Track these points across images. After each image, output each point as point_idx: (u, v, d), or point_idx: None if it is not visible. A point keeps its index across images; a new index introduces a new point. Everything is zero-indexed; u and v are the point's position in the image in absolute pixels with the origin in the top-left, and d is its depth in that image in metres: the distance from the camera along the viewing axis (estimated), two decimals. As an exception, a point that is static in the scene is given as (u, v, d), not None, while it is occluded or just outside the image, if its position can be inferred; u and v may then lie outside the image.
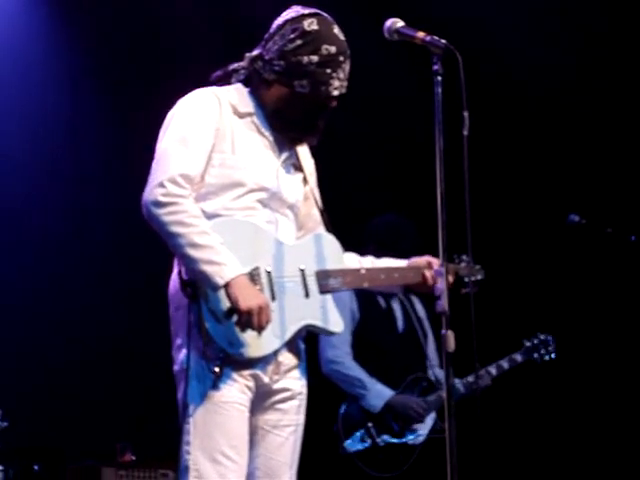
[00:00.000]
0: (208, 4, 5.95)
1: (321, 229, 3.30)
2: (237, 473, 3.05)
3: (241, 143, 3.13)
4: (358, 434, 4.86)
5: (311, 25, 3.11)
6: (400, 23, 3.00)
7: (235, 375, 3.04)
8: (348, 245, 3.34)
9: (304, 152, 3.32)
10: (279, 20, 3.18)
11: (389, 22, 3.01)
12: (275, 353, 3.09)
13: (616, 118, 5.88)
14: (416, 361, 5.09)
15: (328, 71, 3.10)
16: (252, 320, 2.94)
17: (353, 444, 4.86)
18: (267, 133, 3.19)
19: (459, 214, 2.84)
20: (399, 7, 3.90)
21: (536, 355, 5.09)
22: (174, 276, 3.09)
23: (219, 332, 2.98)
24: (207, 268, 2.93)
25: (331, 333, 3.23)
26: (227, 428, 3.02)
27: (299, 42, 3.11)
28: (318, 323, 3.17)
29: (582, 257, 5.77)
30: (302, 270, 3.15)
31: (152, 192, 2.98)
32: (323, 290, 3.17)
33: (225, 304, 2.98)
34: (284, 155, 3.23)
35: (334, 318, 3.20)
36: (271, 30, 3.19)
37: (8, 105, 5.77)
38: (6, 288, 5.62)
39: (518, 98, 5.94)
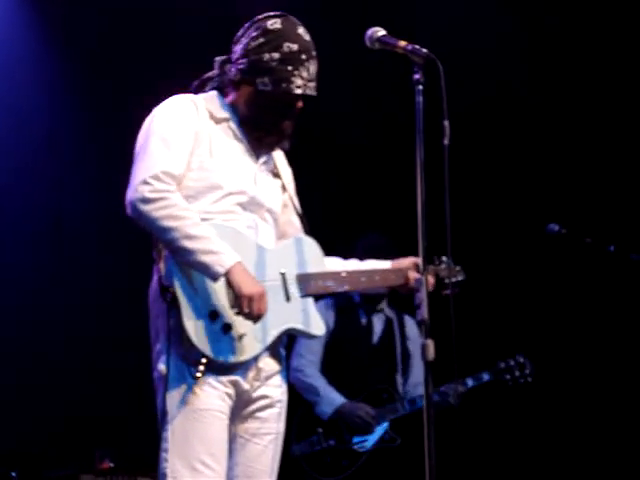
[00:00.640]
0: (197, 6, 5.95)
1: (301, 235, 3.30)
2: (215, 480, 3.05)
3: (218, 147, 3.15)
4: (308, 438, 4.98)
5: (274, 24, 3.15)
6: (381, 32, 3.00)
7: (215, 382, 3.03)
8: (328, 251, 3.35)
9: (281, 160, 3.34)
10: (247, 23, 3.21)
11: (370, 31, 3.01)
12: (256, 359, 3.09)
13: (598, 129, 5.91)
14: (384, 375, 5.13)
15: (289, 68, 3.11)
16: (253, 306, 2.95)
17: (302, 447, 4.98)
18: (243, 138, 3.20)
19: (439, 223, 2.85)
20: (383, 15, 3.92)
21: (508, 376, 5.04)
22: (153, 283, 3.09)
23: (200, 337, 2.97)
24: (206, 258, 2.93)
25: (313, 336, 3.24)
26: (206, 436, 3.01)
27: (261, 40, 3.13)
28: (299, 327, 3.17)
29: (561, 267, 5.79)
30: (283, 274, 3.15)
31: (137, 190, 2.98)
32: (304, 294, 3.18)
33: (210, 305, 2.98)
34: (261, 160, 3.24)
35: (315, 321, 3.21)
36: (239, 33, 3.22)
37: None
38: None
39: (498, 107, 5.97)
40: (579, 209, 5.73)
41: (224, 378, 3.05)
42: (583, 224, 4.78)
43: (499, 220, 6.00)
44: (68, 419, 5.64)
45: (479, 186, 5.99)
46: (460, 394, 5.01)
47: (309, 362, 5.11)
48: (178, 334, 2.97)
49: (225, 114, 3.20)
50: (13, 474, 4.92)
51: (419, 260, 3.26)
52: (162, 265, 3.03)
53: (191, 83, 3.29)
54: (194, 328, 2.97)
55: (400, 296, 3.47)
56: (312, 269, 3.22)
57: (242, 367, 3.07)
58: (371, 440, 5.00)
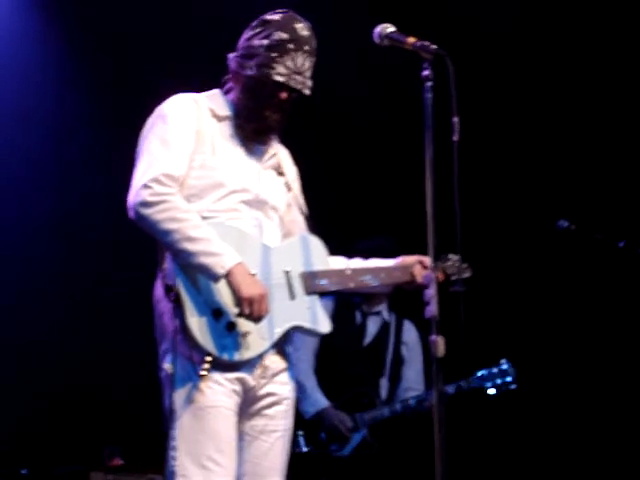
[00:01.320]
0: (200, 7, 5.95)
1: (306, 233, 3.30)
2: (225, 478, 3.05)
3: (221, 145, 3.15)
4: None
5: (273, 16, 3.17)
6: (391, 28, 3.00)
7: (221, 379, 3.04)
8: (335, 249, 3.34)
9: (286, 158, 3.34)
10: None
11: (379, 27, 3.00)
12: (261, 356, 3.10)
13: (608, 125, 5.90)
14: (368, 378, 5.11)
15: (273, 55, 3.10)
16: (254, 308, 2.95)
17: None
18: (246, 136, 3.20)
19: (449, 219, 2.84)
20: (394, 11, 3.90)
21: (489, 384, 4.94)
22: (157, 282, 3.09)
23: (205, 335, 2.98)
24: (206, 260, 2.94)
25: (319, 334, 3.24)
26: (214, 432, 3.02)
27: (258, 29, 3.16)
28: (305, 324, 3.18)
29: (571, 263, 5.77)
30: (287, 272, 3.16)
31: (138, 194, 2.99)
32: (309, 291, 3.18)
33: (214, 304, 2.98)
34: (265, 158, 3.24)
35: (321, 319, 3.21)
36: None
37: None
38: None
39: (508, 103, 5.95)
40: (589, 205, 5.71)
41: (230, 375, 3.05)
42: (593, 220, 4.77)
43: (509, 216, 5.99)
44: (78, 416, 5.64)
45: (489, 183, 5.97)
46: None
47: (303, 357, 5.06)
48: (183, 333, 2.98)
49: (227, 112, 3.20)
50: (24, 472, 4.94)
51: (424, 257, 3.30)
52: (166, 264, 3.04)
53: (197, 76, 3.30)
54: (198, 326, 2.97)
55: (405, 294, 3.46)
56: (317, 267, 3.22)
57: (248, 364, 3.07)
58: (348, 447, 4.96)
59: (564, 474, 5.86)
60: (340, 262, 3.35)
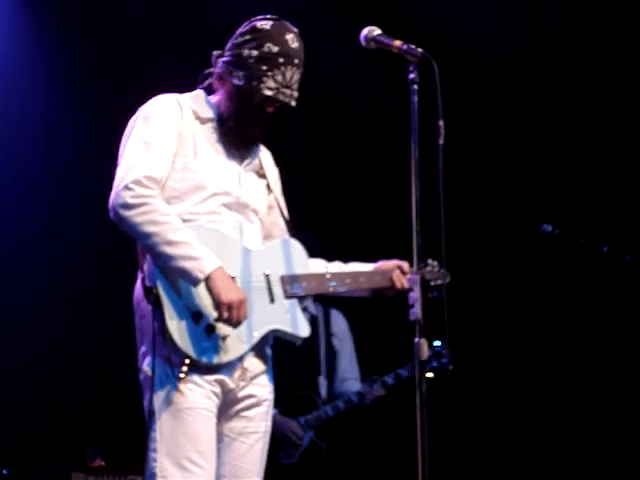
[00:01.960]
0: (186, 7, 5.94)
1: (286, 236, 3.30)
2: (204, 479, 3.04)
3: (203, 147, 3.15)
4: None
5: (264, 25, 3.15)
6: (377, 31, 3.01)
7: (201, 381, 3.04)
8: (322, 252, 3.34)
9: (268, 160, 3.34)
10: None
11: (366, 30, 3.02)
12: (241, 359, 3.10)
13: (591, 129, 5.92)
14: (306, 378, 5.10)
15: (264, 68, 3.10)
16: (232, 314, 2.95)
17: None
18: (228, 138, 3.19)
19: (433, 222, 2.85)
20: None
21: (426, 367, 4.94)
22: (138, 284, 3.09)
23: (184, 338, 2.98)
24: (186, 264, 2.94)
25: (298, 338, 3.24)
26: (193, 434, 3.02)
27: (247, 37, 3.14)
28: (284, 328, 3.18)
29: (554, 267, 5.79)
30: (267, 275, 3.16)
31: (119, 195, 2.99)
32: (288, 295, 3.18)
33: (193, 307, 2.98)
34: (246, 161, 3.24)
35: (301, 323, 3.22)
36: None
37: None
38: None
39: (492, 106, 5.97)
40: (572, 209, 5.73)
41: (210, 377, 3.05)
42: (576, 224, 4.78)
43: (492, 220, 6.00)
44: (60, 418, 5.63)
45: (473, 186, 5.99)
46: (379, 395, 4.95)
47: None
48: (162, 335, 2.98)
49: (210, 114, 3.20)
50: (5, 472, 4.92)
51: (403, 263, 3.32)
52: (146, 266, 3.03)
53: (196, 78, 3.29)
54: (177, 329, 2.97)
55: (386, 299, 3.46)
56: (297, 271, 3.22)
57: (227, 367, 3.07)
58: (298, 451, 4.94)
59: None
60: (320, 265, 3.35)
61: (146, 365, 3.04)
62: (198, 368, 3.01)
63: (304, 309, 5.12)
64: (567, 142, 5.98)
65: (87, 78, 5.89)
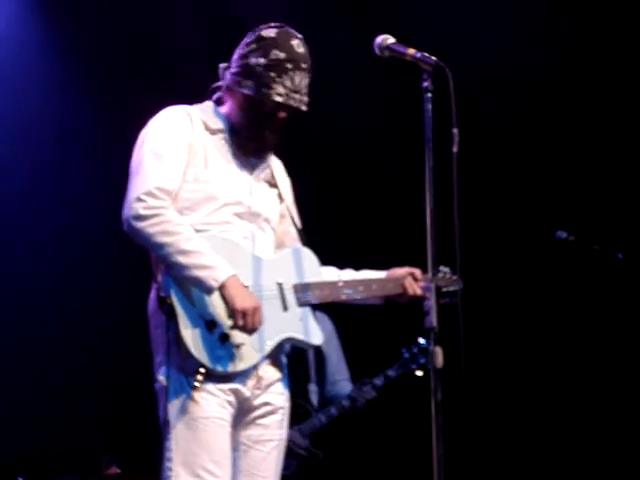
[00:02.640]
0: (203, 11, 5.96)
1: (298, 245, 3.31)
2: (220, 488, 3.04)
3: (213, 158, 3.16)
4: None
5: (269, 33, 3.17)
6: (391, 39, 3.01)
7: (215, 390, 3.05)
8: (335, 260, 3.34)
9: (279, 170, 3.35)
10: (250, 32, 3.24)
11: (380, 38, 3.02)
12: (255, 367, 3.11)
13: (607, 135, 5.90)
14: (296, 386, 5.06)
15: (272, 74, 3.12)
16: (247, 321, 2.96)
17: None
18: (238, 148, 3.21)
19: (448, 230, 2.85)
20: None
21: (414, 366, 4.91)
22: (152, 294, 3.10)
23: (198, 347, 2.99)
24: (199, 273, 2.95)
25: (311, 345, 3.25)
26: (208, 443, 3.03)
27: (253, 46, 3.16)
28: (298, 336, 3.19)
29: (569, 274, 5.78)
30: (280, 284, 3.17)
31: (132, 207, 3.01)
32: (301, 303, 3.19)
33: (207, 315, 2.99)
34: (257, 170, 3.25)
35: (314, 330, 3.22)
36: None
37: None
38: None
39: (506, 114, 5.96)
40: (588, 216, 5.71)
41: (224, 386, 3.06)
42: (591, 231, 4.77)
43: (508, 227, 5.99)
44: (75, 425, 5.63)
45: (488, 194, 5.98)
46: (370, 398, 4.94)
47: None
48: (176, 345, 2.99)
49: (220, 125, 3.21)
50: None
51: (415, 269, 3.33)
52: (160, 277, 3.05)
53: (206, 89, 3.30)
54: (192, 338, 2.98)
55: (399, 305, 3.46)
56: (309, 279, 3.23)
57: (242, 375, 3.08)
58: (296, 462, 4.91)
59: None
60: (332, 273, 3.36)
61: (161, 375, 3.05)
62: (213, 377, 3.02)
63: None
64: (582, 148, 5.96)
65: (102, 82, 5.91)
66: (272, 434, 3.19)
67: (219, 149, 3.19)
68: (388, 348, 5.11)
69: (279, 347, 3.16)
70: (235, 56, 3.21)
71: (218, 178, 3.14)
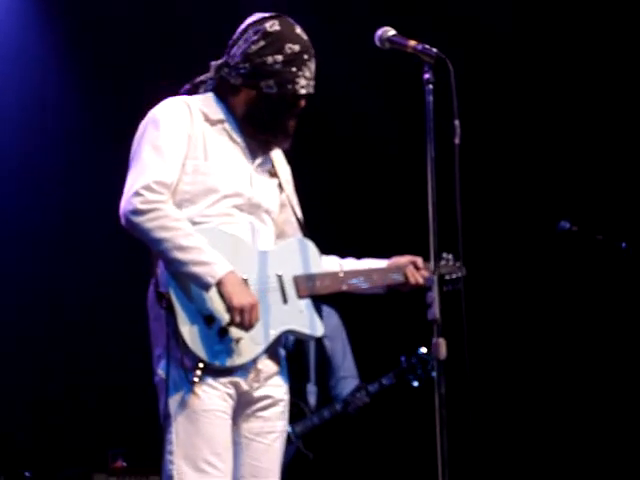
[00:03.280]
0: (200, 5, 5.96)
1: (299, 235, 3.30)
2: (222, 480, 3.05)
3: (213, 149, 3.15)
4: None
5: (273, 26, 3.15)
6: (391, 32, 3.01)
7: (215, 383, 3.04)
8: (336, 249, 3.35)
9: (279, 159, 3.34)
10: (242, 26, 3.22)
11: (380, 31, 3.02)
12: (254, 361, 3.10)
13: (609, 125, 5.89)
14: (294, 385, 5.05)
15: (294, 69, 3.12)
16: (244, 317, 2.96)
17: None
18: (239, 139, 3.20)
19: (450, 221, 2.85)
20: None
21: (411, 376, 4.90)
22: (151, 289, 3.10)
23: (196, 342, 2.99)
24: (197, 269, 2.95)
25: (312, 337, 3.25)
26: (209, 436, 3.03)
27: (262, 43, 3.13)
28: (298, 328, 3.18)
29: (572, 264, 5.78)
30: (279, 276, 3.16)
31: (130, 202, 3.00)
32: (301, 295, 3.19)
33: (205, 310, 2.99)
34: (257, 161, 3.24)
35: (314, 322, 3.21)
36: (234, 36, 3.22)
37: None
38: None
39: (507, 104, 5.96)
40: (591, 206, 5.71)
41: (224, 379, 3.06)
42: (595, 221, 4.77)
43: (510, 218, 5.99)
44: (82, 419, 5.65)
45: (490, 184, 5.98)
46: (361, 404, 4.92)
47: None
48: (175, 339, 2.99)
49: (220, 115, 3.19)
50: (27, 474, 4.95)
51: (417, 258, 3.33)
52: (158, 271, 3.04)
53: (184, 86, 3.28)
54: (190, 333, 2.98)
55: (401, 294, 3.46)
56: (310, 270, 3.22)
57: (241, 369, 3.08)
58: (284, 460, 4.93)
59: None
60: (333, 262, 3.35)
61: (160, 368, 3.05)
62: (212, 371, 3.02)
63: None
64: (585, 138, 5.96)
65: (103, 81, 5.91)
66: (273, 426, 3.19)
67: (219, 140, 3.17)
68: (397, 344, 5.08)
69: (278, 340, 3.16)
70: (238, 54, 3.16)
71: (218, 170, 3.13)
